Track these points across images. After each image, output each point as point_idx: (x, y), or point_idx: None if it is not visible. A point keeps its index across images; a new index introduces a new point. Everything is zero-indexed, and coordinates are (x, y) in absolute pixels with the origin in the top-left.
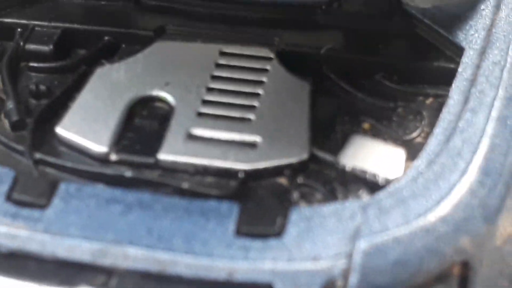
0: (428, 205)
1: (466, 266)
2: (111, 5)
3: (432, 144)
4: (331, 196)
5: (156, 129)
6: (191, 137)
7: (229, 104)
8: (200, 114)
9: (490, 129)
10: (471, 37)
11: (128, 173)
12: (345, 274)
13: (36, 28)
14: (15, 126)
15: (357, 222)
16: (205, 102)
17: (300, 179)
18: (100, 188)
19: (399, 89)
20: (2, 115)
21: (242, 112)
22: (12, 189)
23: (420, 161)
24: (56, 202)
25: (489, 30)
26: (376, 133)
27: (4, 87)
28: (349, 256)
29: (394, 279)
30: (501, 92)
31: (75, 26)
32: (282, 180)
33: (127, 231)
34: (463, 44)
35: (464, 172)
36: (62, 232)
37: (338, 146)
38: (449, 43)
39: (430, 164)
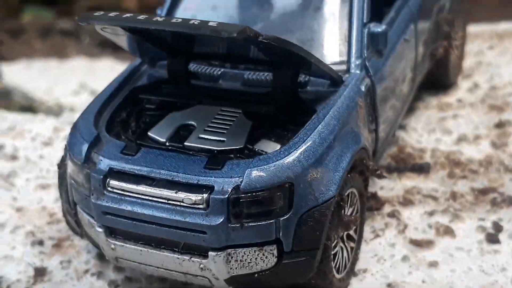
0: (275, 159)
1: (291, 184)
2: (179, 88)
3: (290, 143)
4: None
5: (187, 135)
6: (199, 138)
7: (217, 127)
8: (205, 130)
9: (310, 138)
10: (319, 107)
11: (170, 147)
12: (241, 181)
13: (151, 99)
14: (132, 132)
15: (249, 164)
16: (208, 126)
17: (238, 155)
18: (156, 150)
19: (292, 128)
20: (130, 130)
21: (222, 130)
22: (123, 149)
23: (283, 147)
24: (138, 154)
25: (329, 104)
26: (277, 139)
27: (131, 121)
28: (243, 175)
29: (259, 184)
30: (320, 127)
31: (169, 99)
32: (232, 155)
33: (162, 165)
34: (315, 107)
35: (296, 151)
36: (135, 164)
37: (256, 143)
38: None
39: (285, 148)
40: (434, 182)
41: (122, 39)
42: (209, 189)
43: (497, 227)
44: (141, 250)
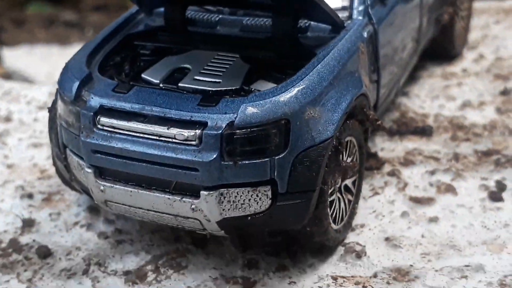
0: (271, 96)
1: (287, 121)
2: (175, 35)
3: (288, 80)
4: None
5: (181, 77)
6: (194, 79)
7: (213, 69)
8: (200, 73)
9: (308, 77)
10: (320, 50)
11: (163, 87)
12: (235, 117)
13: (147, 45)
14: (126, 75)
15: (244, 101)
16: (204, 69)
17: (235, 95)
18: (149, 89)
19: (290, 72)
20: (123, 73)
21: (217, 72)
22: (115, 87)
23: (280, 85)
24: (130, 92)
25: (329, 46)
26: (275, 82)
27: (125, 64)
28: (238, 111)
29: (254, 120)
30: (319, 66)
31: (167, 45)
32: (228, 96)
33: (154, 102)
34: (316, 52)
35: (293, 88)
36: (127, 101)
37: (252, 83)
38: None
39: (282, 85)
40: (436, 144)
41: None
42: (202, 125)
43: (501, 186)
44: (131, 191)
